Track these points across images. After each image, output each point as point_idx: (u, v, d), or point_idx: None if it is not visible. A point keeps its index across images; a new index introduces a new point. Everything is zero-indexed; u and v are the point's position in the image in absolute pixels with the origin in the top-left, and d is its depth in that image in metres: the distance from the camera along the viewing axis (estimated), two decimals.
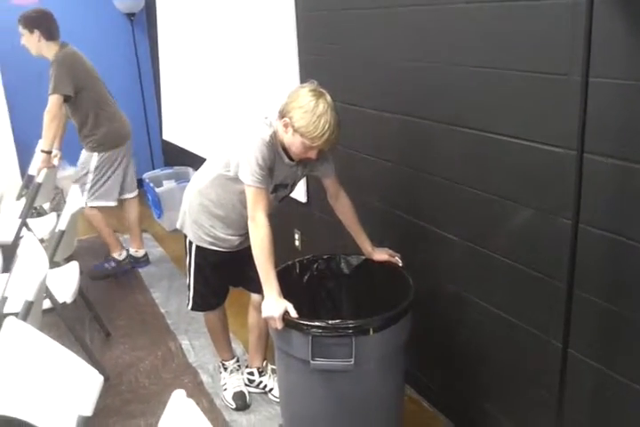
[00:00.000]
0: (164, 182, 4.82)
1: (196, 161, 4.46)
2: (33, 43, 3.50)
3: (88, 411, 1.35)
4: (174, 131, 5.29)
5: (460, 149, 2.02)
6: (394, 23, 2.21)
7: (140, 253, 4.07)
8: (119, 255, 3.94)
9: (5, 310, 2.11)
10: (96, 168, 3.71)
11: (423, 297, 2.04)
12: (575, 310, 1.64)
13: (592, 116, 1.47)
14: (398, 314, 1.90)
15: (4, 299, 2.16)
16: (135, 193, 4.00)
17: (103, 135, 3.66)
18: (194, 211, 2.28)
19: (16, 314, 1.90)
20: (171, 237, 4.45)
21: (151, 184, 4.75)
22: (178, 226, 2.39)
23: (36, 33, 3.46)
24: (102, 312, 3.15)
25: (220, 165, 2.15)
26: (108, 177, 3.76)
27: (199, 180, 2.26)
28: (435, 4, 1.99)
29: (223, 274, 2.39)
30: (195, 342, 3.00)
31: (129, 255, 4.01)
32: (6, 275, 2.62)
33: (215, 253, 2.30)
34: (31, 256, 2.21)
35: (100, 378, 1.38)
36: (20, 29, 3.50)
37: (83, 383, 1.41)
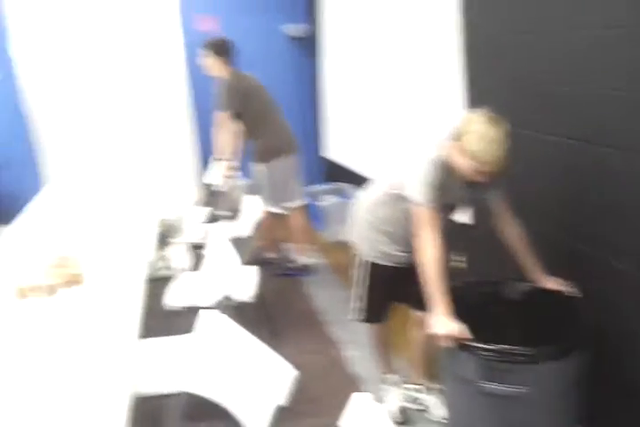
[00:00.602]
0: (325, 197, 5.04)
1: (354, 178, 4.62)
2: (214, 65, 3.95)
3: (283, 400, 1.48)
4: (335, 148, 5.51)
5: None
6: (566, 46, 2.17)
7: (305, 261, 4.29)
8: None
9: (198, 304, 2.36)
10: (266, 177, 4.06)
11: (596, 332, 1.97)
12: None
13: None
14: (571, 347, 1.85)
15: (198, 294, 2.42)
16: (299, 203, 4.22)
17: (258, 147, 4.06)
18: (362, 227, 2.37)
19: (211, 308, 2.11)
20: (333, 249, 4.60)
21: (311, 198, 4.98)
22: (346, 240, 2.50)
23: (220, 58, 3.92)
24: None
25: (388, 184, 2.23)
26: (270, 186, 4.05)
27: (367, 197, 2.37)
28: (609, 26, 1.94)
29: (388, 289, 2.45)
30: (356, 353, 3.08)
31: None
32: (194, 272, 2.92)
33: (382, 267, 2.38)
34: (221, 256, 2.44)
35: (294, 371, 1.51)
36: (205, 52, 3.94)
37: (277, 374, 1.55)
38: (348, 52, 4.79)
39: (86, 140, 5.16)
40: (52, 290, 2.13)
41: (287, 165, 4.08)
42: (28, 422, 1.44)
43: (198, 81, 5.15)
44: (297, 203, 4.21)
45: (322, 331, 3.37)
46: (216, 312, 1.86)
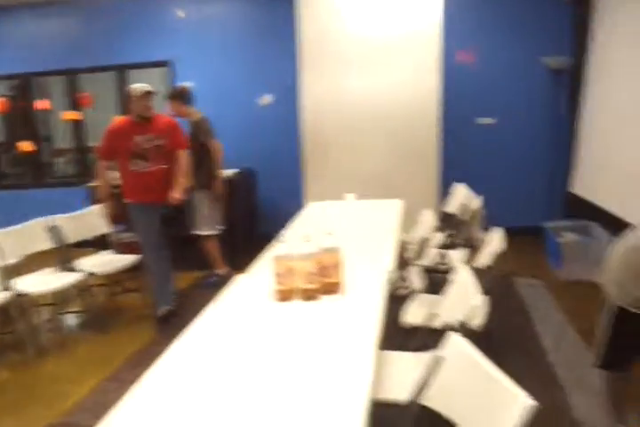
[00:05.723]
0: (564, 234, 4.88)
1: (602, 216, 4.39)
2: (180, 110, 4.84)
3: None
4: (585, 184, 5.28)
5: None
6: None
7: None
8: None
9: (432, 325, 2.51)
10: None
11: None
12: None
13: None
14: None
15: (432, 316, 2.57)
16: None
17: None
18: (619, 270, 2.30)
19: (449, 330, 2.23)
20: (567, 289, 4.47)
21: (551, 234, 4.86)
22: (599, 281, 2.44)
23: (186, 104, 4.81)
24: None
25: None
26: None
27: (633, 240, 2.28)
28: None
29: (636, 338, 2.35)
30: (581, 398, 2.98)
31: None
32: (429, 295, 3.08)
33: (632, 315, 2.28)
34: (463, 283, 2.56)
35: (530, 402, 1.57)
36: (172, 101, 4.76)
37: (511, 404, 1.62)
38: (615, 86, 4.60)
39: (348, 160, 5.66)
40: (310, 296, 2.43)
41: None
42: (266, 420, 1.61)
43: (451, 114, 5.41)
44: None
45: (546, 372, 3.30)
46: (459, 335, 1.98)
